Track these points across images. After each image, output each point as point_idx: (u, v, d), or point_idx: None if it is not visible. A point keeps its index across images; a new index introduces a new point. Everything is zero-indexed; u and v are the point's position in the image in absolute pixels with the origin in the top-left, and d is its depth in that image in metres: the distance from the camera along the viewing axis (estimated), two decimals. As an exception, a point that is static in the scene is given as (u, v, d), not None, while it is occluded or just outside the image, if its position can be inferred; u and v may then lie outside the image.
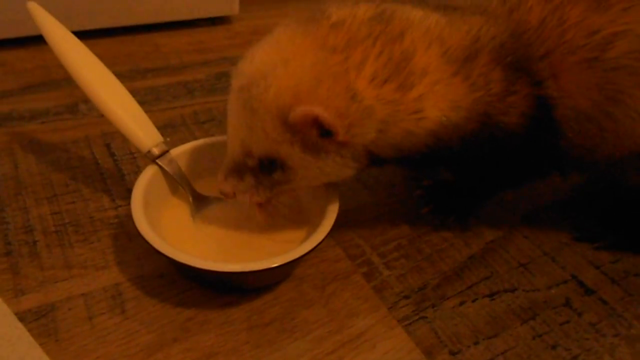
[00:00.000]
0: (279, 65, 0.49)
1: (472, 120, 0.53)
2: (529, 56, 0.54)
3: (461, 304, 0.58)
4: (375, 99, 0.49)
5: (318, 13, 0.52)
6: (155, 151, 0.60)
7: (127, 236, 0.62)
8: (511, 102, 0.54)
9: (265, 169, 0.52)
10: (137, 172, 0.70)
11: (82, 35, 0.66)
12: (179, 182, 0.61)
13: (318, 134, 0.49)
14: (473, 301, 0.58)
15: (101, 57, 0.64)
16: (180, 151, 0.63)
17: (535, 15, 0.54)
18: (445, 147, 0.54)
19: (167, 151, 0.61)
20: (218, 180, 0.55)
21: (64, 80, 0.90)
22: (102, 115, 0.62)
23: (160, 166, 0.60)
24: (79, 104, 0.85)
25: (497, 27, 0.54)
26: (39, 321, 0.52)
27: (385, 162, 0.56)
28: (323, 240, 0.54)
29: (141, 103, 0.64)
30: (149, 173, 0.59)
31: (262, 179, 0.53)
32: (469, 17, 0.55)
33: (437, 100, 0.52)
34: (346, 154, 0.52)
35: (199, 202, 0.62)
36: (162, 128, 0.76)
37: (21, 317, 0.52)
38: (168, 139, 0.63)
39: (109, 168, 0.73)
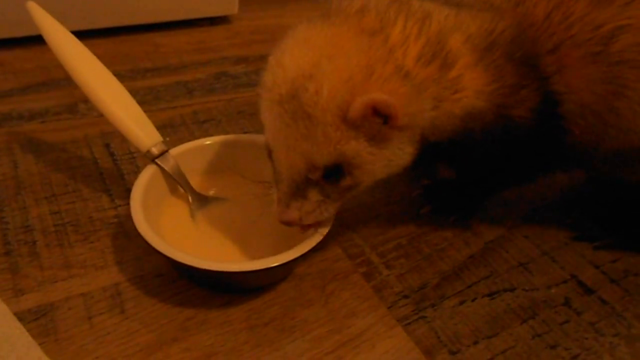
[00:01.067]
0: (322, 62, 0.46)
1: (492, 111, 0.54)
2: (536, 51, 0.54)
3: (461, 303, 0.58)
4: (424, 78, 0.49)
5: (332, 7, 0.51)
6: (155, 151, 0.60)
7: (126, 236, 0.62)
8: (523, 95, 0.54)
9: (332, 178, 0.49)
10: (137, 171, 0.70)
11: (82, 35, 0.66)
12: (178, 182, 0.61)
13: (381, 122, 0.47)
14: (473, 301, 0.58)
15: (100, 57, 0.64)
16: (179, 151, 0.63)
17: (541, 10, 0.54)
18: (468, 137, 0.54)
19: (167, 151, 0.61)
20: (278, 212, 0.50)
21: (64, 80, 0.90)
22: (102, 115, 0.62)
23: (159, 166, 0.60)
24: (79, 104, 0.85)
25: (505, 22, 0.54)
26: (38, 321, 0.52)
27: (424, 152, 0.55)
28: (322, 239, 0.54)
29: (140, 103, 0.64)
30: (148, 173, 0.59)
31: (329, 190, 0.50)
32: (477, 13, 0.55)
33: (467, 83, 0.52)
34: (405, 139, 0.50)
35: (198, 201, 0.62)
36: (162, 128, 0.75)
37: (20, 316, 0.52)
38: (167, 139, 0.63)
39: (108, 168, 0.73)
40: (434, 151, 0.55)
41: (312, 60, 0.47)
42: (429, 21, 0.51)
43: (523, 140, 0.56)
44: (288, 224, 0.51)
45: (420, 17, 0.51)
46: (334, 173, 0.49)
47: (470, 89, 0.52)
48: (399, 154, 0.51)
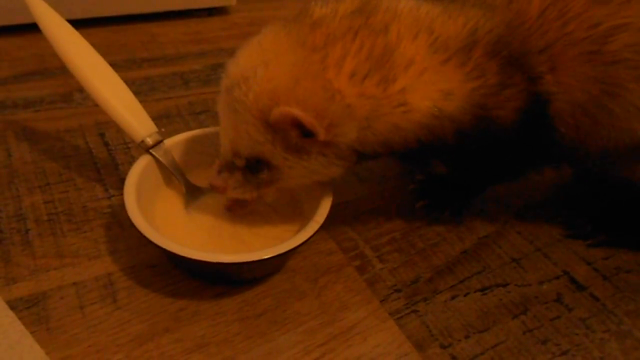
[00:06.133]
0: (259, 68, 0.49)
1: (467, 111, 0.53)
2: (526, 50, 0.53)
3: (453, 298, 0.58)
4: (355, 96, 0.49)
5: (303, 12, 0.53)
6: (149, 141, 0.60)
7: (119, 226, 0.62)
8: (507, 95, 0.54)
9: (252, 169, 0.53)
10: (131, 162, 0.69)
11: (78, 24, 0.65)
12: (173, 173, 0.61)
13: (299, 135, 0.49)
14: (465, 295, 0.58)
15: (96, 46, 0.64)
16: (174, 141, 0.63)
17: (536, 7, 0.53)
18: (439, 141, 0.54)
19: (161, 141, 0.61)
20: (211, 174, 0.55)
21: (59, 69, 0.89)
22: (97, 105, 0.61)
23: (154, 156, 0.60)
24: (74, 93, 0.85)
25: (494, 19, 0.54)
26: (30, 310, 0.52)
27: (376, 157, 0.56)
28: (316, 232, 0.54)
29: (136, 93, 0.63)
30: (142, 163, 0.59)
31: (249, 177, 0.54)
32: (468, 10, 0.55)
33: (425, 90, 0.51)
34: (329, 153, 0.52)
35: (193, 192, 0.62)
36: (157, 118, 0.76)
37: (12, 305, 0.52)
38: (163, 130, 0.63)
39: (103, 157, 0.72)
40: (424, 149, 0.55)
41: (254, 63, 0.50)
42: (385, 30, 0.51)
43: (507, 140, 0.56)
44: (215, 188, 0.55)
45: (375, 29, 0.50)
46: (254, 165, 0.53)
47: (430, 95, 0.51)
48: (320, 165, 0.52)
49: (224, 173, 0.55)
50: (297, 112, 0.47)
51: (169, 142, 0.62)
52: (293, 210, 0.62)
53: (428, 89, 0.51)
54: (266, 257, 0.51)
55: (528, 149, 0.58)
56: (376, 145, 0.53)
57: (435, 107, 0.52)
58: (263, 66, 0.49)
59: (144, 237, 0.51)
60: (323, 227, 0.55)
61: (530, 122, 0.55)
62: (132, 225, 0.52)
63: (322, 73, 0.49)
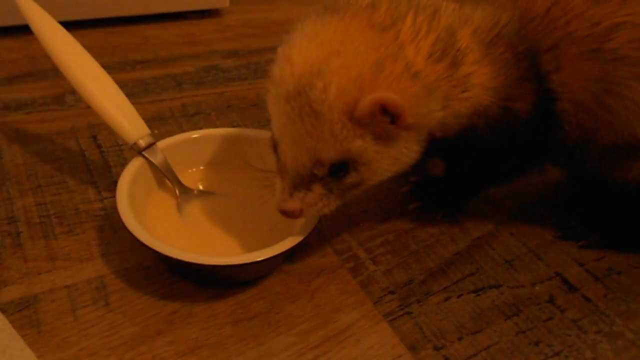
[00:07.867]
0: (331, 59, 0.46)
1: (495, 104, 0.53)
2: (537, 48, 0.54)
3: (446, 299, 0.58)
4: (434, 77, 0.48)
5: (340, 2, 0.51)
6: (142, 143, 0.60)
7: (112, 228, 0.61)
8: (526, 89, 0.54)
9: (337, 175, 0.49)
10: (124, 164, 0.69)
11: (70, 25, 0.65)
12: (166, 175, 0.61)
13: (388, 121, 0.47)
14: (458, 297, 0.58)
15: (89, 48, 0.63)
16: (167, 143, 0.63)
17: (541, 5, 0.54)
18: (472, 133, 0.54)
19: (154, 143, 0.61)
20: (279, 201, 0.51)
21: (51, 71, 0.89)
22: (89, 107, 0.61)
23: (146, 158, 0.60)
24: (66, 95, 0.85)
25: (507, 14, 0.54)
26: (21, 313, 0.51)
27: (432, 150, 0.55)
28: (309, 234, 0.54)
29: (129, 95, 0.63)
30: (135, 165, 0.59)
31: (333, 185, 0.50)
32: (480, 6, 0.55)
33: (476, 80, 0.51)
34: (412, 138, 0.50)
35: (185, 195, 0.61)
36: (150, 120, 0.75)
37: (3, 308, 0.51)
38: (156, 132, 0.63)
39: (95, 160, 0.72)
40: (429, 146, 0.55)
41: (321, 56, 0.46)
42: (438, 16, 0.50)
43: (520, 135, 0.56)
44: (288, 214, 0.51)
45: (430, 12, 0.50)
46: (339, 169, 0.49)
47: (478, 86, 0.52)
48: (405, 152, 0.50)
49: (299, 192, 0.50)
50: (389, 95, 0.44)
51: (161, 144, 0.62)
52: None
53: (477, 81, 0.52)
54: (259, 259, 0.51)
55: (536, 146, 0.58)
56: (441, 130, 0.53)
57: (477, 101, 0.52)
58: (335, 56, 0.45)
59: (137, 239, 0.51)
60: (316, 229, 0.55)
61: (541, 118, 0.55)
62: (125, 228, 0.52)
63: (400, 52, 0.47)
